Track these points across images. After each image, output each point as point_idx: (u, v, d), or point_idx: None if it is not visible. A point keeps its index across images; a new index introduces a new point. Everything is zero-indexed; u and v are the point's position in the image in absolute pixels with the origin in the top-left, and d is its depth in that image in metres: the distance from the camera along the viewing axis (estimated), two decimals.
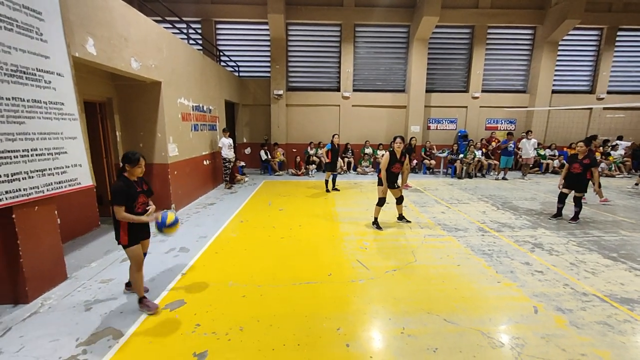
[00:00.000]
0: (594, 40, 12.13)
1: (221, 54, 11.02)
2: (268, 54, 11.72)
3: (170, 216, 2.87)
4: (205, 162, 7.94)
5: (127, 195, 2.75)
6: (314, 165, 11.11)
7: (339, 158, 10.57)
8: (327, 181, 8.23)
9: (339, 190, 8.31)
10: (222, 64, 10.76)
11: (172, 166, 6.14)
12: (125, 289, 3.34)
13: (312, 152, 11.44)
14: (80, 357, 2.39)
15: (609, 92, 12.24)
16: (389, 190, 5.25)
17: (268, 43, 11.61)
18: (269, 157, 11.08)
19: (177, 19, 7.98)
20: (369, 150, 11.62)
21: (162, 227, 2.84)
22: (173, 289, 3.38)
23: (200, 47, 9.30)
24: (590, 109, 12.19)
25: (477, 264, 4.01)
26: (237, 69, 11.68)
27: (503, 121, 12.45)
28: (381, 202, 5.31)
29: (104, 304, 3.11)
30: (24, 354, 2.42)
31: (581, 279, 3.64)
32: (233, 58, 11.65)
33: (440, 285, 3.48)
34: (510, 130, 12.07)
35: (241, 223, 5.68)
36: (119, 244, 2.87)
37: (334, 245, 4.67)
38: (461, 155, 10.60)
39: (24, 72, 2.95)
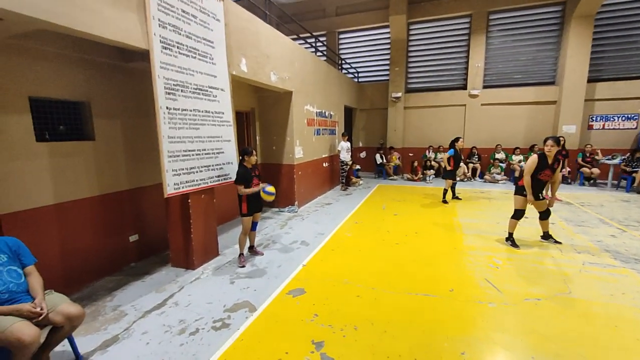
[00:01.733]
0: None
1: (343, 62, 11.60)
2: (387, 57, 11.64)
3: (269, 189, 3.97)
4: (324, 164, 8.49)
5: (245, 177, 3.83)
6: (432, 170, 10.35)
7: (463, 163, 9.53)
8: (446, 191, 7.23)
9: (460, 199, 7.45)
10: (343, 71, 11.31)
11: (297, 167, 6.81)
12: (248, 251, 4.39)
13: (431, 156, 10.69)
14: (226, 320, 2.90)
15: None
16: (530, 202, 4.35)
17: (388, 46, 11.54)
18: (384, 160, 10.95)
19: (308, 34, 8.84)
20: (500, 155, 10.01)
21: (264, 192, 3.95)
22: (295, 278, 3.70)
23: (325, 57, 10.04)
24: None
25: None
26: (356, 74, 12.06)
27: None
28: (518, 214, 4.46)
29: (243, 280, 3.69)
30: (191, 309, 3.10)
31: None
32: (353, 65, 12.09)
33: (610, 330, 2.64)
34: None
35: (356, 224, 5.79)
36: (239, 213, 3.98)
37: (456, 258, 4.19)
38: None
39: (201, 89, 3.81)
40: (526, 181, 4.27)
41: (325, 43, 11.96)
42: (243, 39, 4.74)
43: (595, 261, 4.00)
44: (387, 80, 11.57)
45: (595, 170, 8.73)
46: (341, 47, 12.46)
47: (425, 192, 8.55)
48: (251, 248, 4.45)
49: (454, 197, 7.48)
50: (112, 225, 3.89)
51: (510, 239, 4.57)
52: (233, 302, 3.22)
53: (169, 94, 3.35)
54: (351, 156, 9.26)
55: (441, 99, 11.09)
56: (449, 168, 7.08)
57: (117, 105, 3.90)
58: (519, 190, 4.42)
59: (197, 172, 3.79)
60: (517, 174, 9.24)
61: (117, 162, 3.93)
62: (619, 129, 9.46)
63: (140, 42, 3.06)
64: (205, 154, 3.92)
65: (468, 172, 10.05)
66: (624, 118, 9.38)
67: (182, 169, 3.57)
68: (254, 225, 4.25)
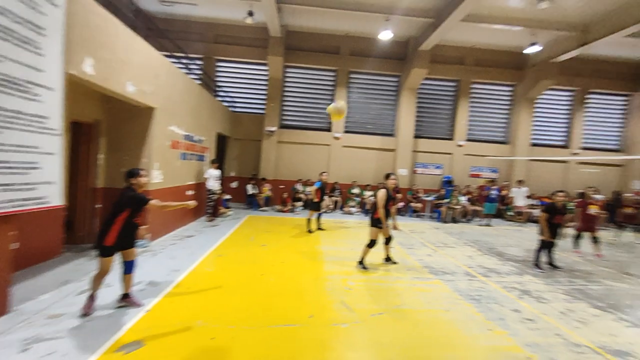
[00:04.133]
0: (567, 99, 13.17)
1: (219, 89, 11.35)
2: (264, 92, 12.14)
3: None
4: (188, 192, 7.72)
5: (138, 200, 3.20)
6: (300, 202, 10.99)
7: (327, 196, 10.55)
8: (309, 220, 7.75)
9: (324, 229, 8.09)
10: (219, 98, 11.03)
11: (153, 193, 5.91)
12: (123, 300, 3.43)
13: (300, 189, 11.38)
14: None
15: (583, 148, 13.01)
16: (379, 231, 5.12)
17: (265, 82, 12.09)
18: (256, 191, 10.93)
19: (182, 54, 8.27)
20: (356, 190, 11.66)
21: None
22: (132, 329, 3.00)
23: (200, 81, 9.58)
24: (566, 161, 12.85)
25: (467, 310, 3.81)
26: (232, 104, 11.97)
27: (486, 169, 12.89)
28: (373, 244, 5.09)
29: (47, 343, 2.69)
30: None
31: (572, 328, 3.49)
32: (230, 94, 12.00)
33: (428, 332, 3.25)
34: (493, 178, 12.42)
35: (219, 257, 5.37)
36: (99, 246, 3.13)
37: (318, 284, 4.41)
38: (446, 200, 10.74)
39: (13, 82, 2.88)
40: (382, 213, 4.92)
41: (201, 67, 11.51)
42: (92, 36, 3.98)
43: (418, 276, 4.97)
44: (263, 113, 11.97)
45: (419, 205, 11.27)
46: (218, 74, 12.25)
47: (294, 222, 8.91)
48: (126, 296, 3.44)
49: (319, 227, 8.07)
50: None
51: (361, 263, 5.18)
52: None
53: None
54: (221, 185, 8.82)
55: (310, 138, 12.23)
56: (315, 200, 7.69)
57: None
58: (375, 223, 5.03)
59: None
60: (367, 207, 10.91)
61: None
62: (432, 174, 12.69)
63: None
64: (8, 167, 2.89)
65: (331, 205, 11.17)
66: (434, 167, 12.69)
67: None
68: (128, 267, 3.38)
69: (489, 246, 7.35)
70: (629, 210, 9.45)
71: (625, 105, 13.30)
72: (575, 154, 12.91)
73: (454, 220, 10.58)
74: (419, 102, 12.40)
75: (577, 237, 7.06)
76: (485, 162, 12.83)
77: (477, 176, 12.80)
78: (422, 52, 10.81)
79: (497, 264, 5.88)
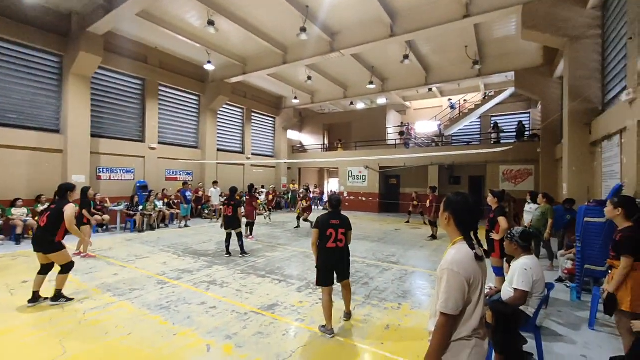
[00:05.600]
0: (240, 114, 16.40)
1: None
2: None
3: None
4: None
5: None
6: None
7: None
8: None
9: None
10: None
11: None
12: None
13: None
14: None
15: (253, 154, 16.88)
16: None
17: None
18: None
19: None
20: None
21: None
22: None
23: None
24: (243, 164, 16.13)
25: (153, 323, 3.55)
26: None
27: (182, 172, 13.26)
28: (71, 265, 4.25)
29: None
30: None
31: (243, 300, 4.27)
32: None
33: None
34: (188, 180, 12.98)
35: None
36: None
37: None
38: (141, 207, 9.84)
39: None
40: (75, 231, 4.23)
41: None
42: None
43: (96, 305, 4.04)
44: None
45: (106, 217, 9.46)
46: None
47: None
48: None
49: None
50: None
51: (61, 296, 4.11)
52: None
53: None
54: None
55: None
56: None
57: None
58: (59, 246, 4.10)
59: None
60: (19, 230, 7.62)
61: None
62: (121, 180, 11.12)
63: None
64: None
65: None
66: (124, 171, 11.21)
67: None
68: None
69: (185, 247, 7.54)
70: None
71: (273, 124, 18.78)
72: (248, 158, 16.47)
73: (151, 228, 9.92)
74: (97, 95, 10.37)
75: (249, 225, 8.87)
76: (180, 165, 13.14)
77: (174, 179, 12.84)
78: (93, 35, 9.01)
79: (191, 263, 6.12)
